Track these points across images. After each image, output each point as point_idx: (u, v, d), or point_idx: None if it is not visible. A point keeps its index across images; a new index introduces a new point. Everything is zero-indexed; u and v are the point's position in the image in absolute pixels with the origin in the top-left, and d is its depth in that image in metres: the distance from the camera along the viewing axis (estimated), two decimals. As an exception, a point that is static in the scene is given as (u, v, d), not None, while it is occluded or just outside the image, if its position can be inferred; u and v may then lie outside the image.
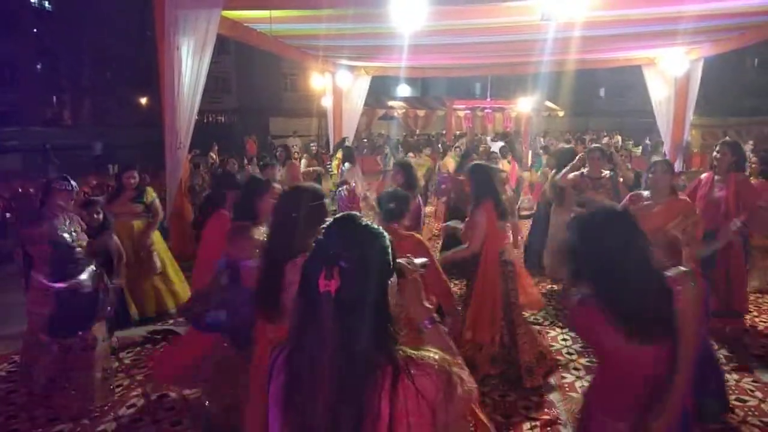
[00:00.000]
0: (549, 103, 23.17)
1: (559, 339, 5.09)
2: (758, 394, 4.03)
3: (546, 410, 3.87)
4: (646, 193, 4.06)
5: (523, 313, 4.49)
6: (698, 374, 2.24)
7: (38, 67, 29.51)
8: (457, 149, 11.84)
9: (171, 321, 5.68)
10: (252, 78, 33.06)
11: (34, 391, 4.00)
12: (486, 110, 21.67)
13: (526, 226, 8.00)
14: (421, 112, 22.72)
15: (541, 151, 13.67)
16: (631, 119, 27.29)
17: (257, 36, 7.51)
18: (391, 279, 1.34)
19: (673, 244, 3.48)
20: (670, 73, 9.37)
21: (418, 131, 23.22)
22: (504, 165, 9.48)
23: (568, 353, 4.80)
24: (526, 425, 3.70)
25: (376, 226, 1.35)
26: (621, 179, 5.80)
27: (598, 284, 1.98)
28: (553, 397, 4.05)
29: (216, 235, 3.78)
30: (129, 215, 5.53)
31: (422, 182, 9.81)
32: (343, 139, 10.37)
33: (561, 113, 24.03)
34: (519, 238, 6.09)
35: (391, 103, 22.72)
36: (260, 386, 1.85)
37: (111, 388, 4.10)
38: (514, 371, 4.10)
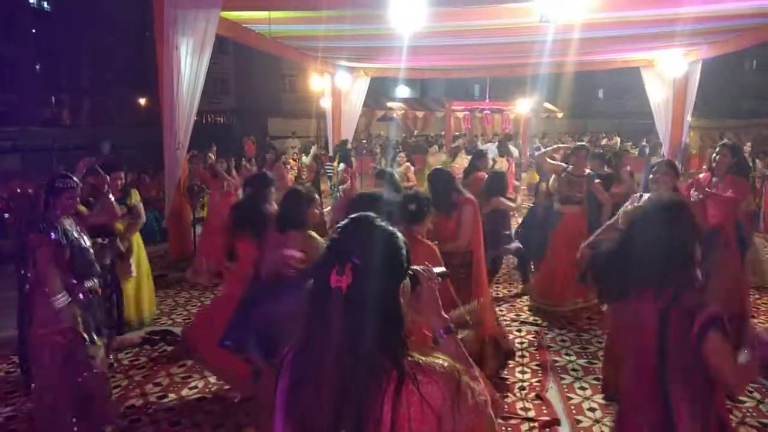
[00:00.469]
0: (548, 105, 23.22)
1: (557, 340, 5.10)
2: (756, 395, 4.03)
3: (545, 412, 3.88)
4: (646, 195, 4.04)
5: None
6: None
7: (37, 67, 29.45)
8: (456, 149, 11.89)
9: (170, 322, 5.69)
10: (251, 79, 33.05)
11: None
12: (485, 111, 21.71)
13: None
14: (420, 114, 22.74)
15: (536, 152, 13.69)
16: (630, 121, 27.33)
17: (256, 37, 7.52)
18: (404, 282, 1.33)
19: None
20: (668, 75, 9.40)
21: (416, 132, 23.23)
22: (503, 165, 9.50)
23: (567, 354, 4.81)
24: (525, 426, 3.70)
25: (391, 228, 1.35)
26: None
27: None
28: (552, 398, 4.05)
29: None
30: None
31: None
32: (344, 141, 10.39)
33: (560, 115, 24.09)
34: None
35: (390, 104, 22.74)
36: None
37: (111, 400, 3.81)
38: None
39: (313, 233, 3.54)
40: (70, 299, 3.30)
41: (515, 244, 6.10)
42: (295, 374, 1.29)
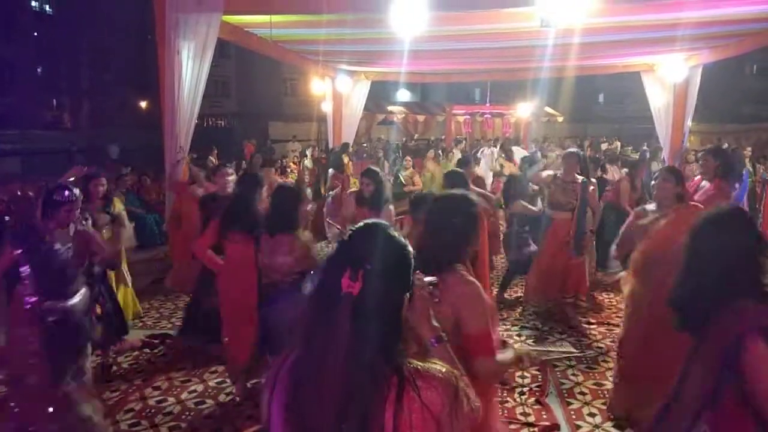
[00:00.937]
0: (548, 109, 23.21)
1: (556, 343, 5.10)
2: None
3: (544, 417, 3.87)
4: (650, 206, 3.88)
5: None
6: None
7: (38, 69, 29.51)
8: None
9: (169, 325, 5.69)
10: (252, 82, 33.08)
11: None
12: (485, 115, 21.71)
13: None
14: (420, 117, 22.73)
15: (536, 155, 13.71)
16: (630, 125, 27.31)
17: (257, 41, 7.53)
18: (408, 293, 1.36)
19: None
20: (668, 79, 9.39)
21: (416, 136, 23.23)
22: (511, 168, 9.61)
23: (568, 359, 4.80)
24: (524, 431, 3.70)
25: (402, 239, 1.38)
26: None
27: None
28: (552, 403, 4.04)
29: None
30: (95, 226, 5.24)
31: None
32: (345, 144, 10.39)
33: (560, 119, 24.05)
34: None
35: (390, 108, 22.73)
36: None
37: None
38: None
39: (302, 234, 3.52)
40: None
41: (534, 248, 6.12)
42: (296, 376, 1.29)
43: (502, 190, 6.29)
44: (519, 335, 5.33)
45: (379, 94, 21.21)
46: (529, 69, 10.83)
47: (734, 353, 1.65)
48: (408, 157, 11.95)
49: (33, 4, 29.49)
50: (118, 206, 5.49)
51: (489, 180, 11.31)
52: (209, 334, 4.41)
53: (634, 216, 3.94)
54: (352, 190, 6.02)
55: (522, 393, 4.18)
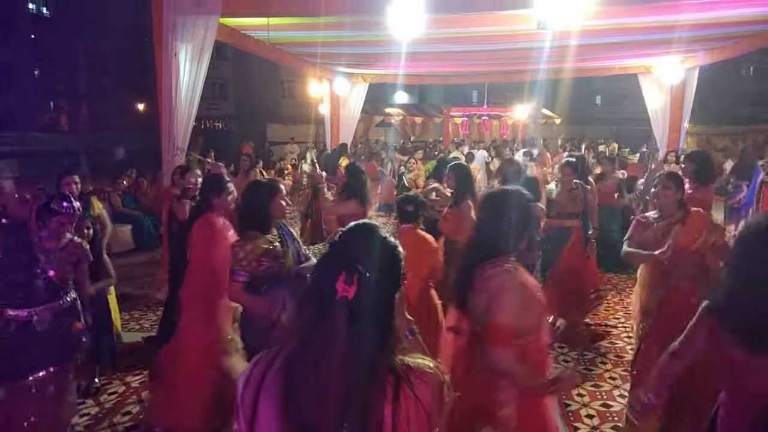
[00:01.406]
0: (546, 111, 23.25)
1: (555, 345, 5.09)
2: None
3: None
4: (652, 213, 3.77)
5: None
6: None
7: (36, 72, 29.46)
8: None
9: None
10: (250, 84, 33.06)
11: None
12: (483, 117, 21.75)
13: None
14: (418, 119, 22.76)
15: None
16: (628, 127, 27.35)
17: (255, 43, 7.53)
18: (399, 292, 1.37)
19: (702, 266, 3.34)
20: (665, 81, 9.43)
21: (413, 138, 23.25)
22: None
23: (564, 360, 4.80)
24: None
25: (394, 239, 1.39)
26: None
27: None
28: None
29: (201, 240, 3.66)
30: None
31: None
32: (344, 145, 10.38)
33: (558, 121, 24.09)
34: None
35: (388, 110, 22.76)
36: None
37: None
38: None
39: (267, 236, 3.17)
40: None
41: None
42: (291, 376, 1.29)
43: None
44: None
45: (377, 96, 21.24)
46: (527, 71, 10.85)
47: None
48: (413, 159, 11.86)
49: (30, 6, 29.45)
50: (97, 207, 5.30)
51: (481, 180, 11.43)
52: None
53: (638, 225, 3.75)
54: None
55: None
